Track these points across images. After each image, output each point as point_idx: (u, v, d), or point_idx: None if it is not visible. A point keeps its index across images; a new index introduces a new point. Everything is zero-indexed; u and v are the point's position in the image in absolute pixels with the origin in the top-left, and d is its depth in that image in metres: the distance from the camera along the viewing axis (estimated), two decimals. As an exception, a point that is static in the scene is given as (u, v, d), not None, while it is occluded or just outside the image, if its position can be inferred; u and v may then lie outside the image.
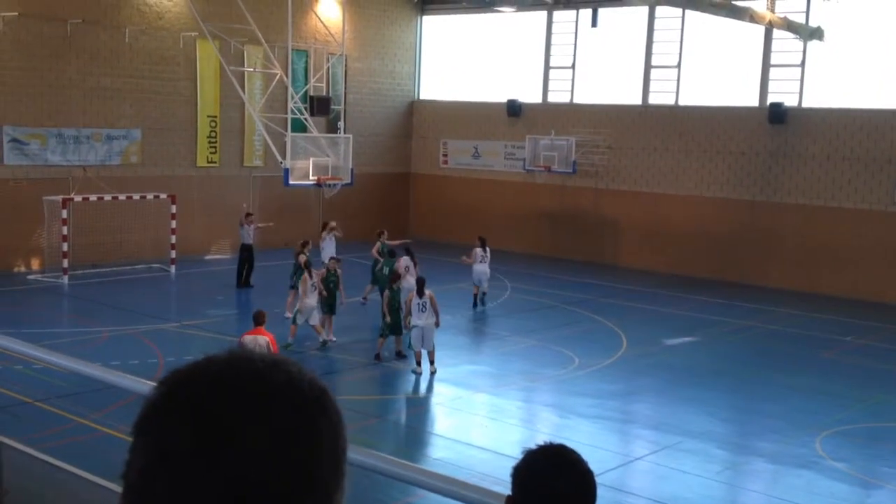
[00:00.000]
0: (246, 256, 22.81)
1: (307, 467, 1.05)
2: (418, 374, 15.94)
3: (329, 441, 1.08)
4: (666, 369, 17.12)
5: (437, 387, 15.91)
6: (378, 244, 21.29)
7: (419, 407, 15.32)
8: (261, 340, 12.86)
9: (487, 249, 21.91)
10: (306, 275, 17.33)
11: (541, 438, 2.63)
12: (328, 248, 21.79)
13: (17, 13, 23.50)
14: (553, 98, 30.88)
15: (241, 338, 13.40)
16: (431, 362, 15.94)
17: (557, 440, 2.72)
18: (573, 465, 2.54)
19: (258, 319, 13.43)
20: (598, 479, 2.60)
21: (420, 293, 15.99)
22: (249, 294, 22.25)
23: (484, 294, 21.93)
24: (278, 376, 1.08)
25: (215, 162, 28.12)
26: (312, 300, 17.15)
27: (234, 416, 1.03)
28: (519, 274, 25.99)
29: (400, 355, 16.87)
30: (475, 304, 21.66)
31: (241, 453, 1.01)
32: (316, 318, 17.29)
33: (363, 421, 13.70)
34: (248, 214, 23.34)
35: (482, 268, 21.64)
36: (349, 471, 1.13)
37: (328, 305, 17.55)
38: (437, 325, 16.05)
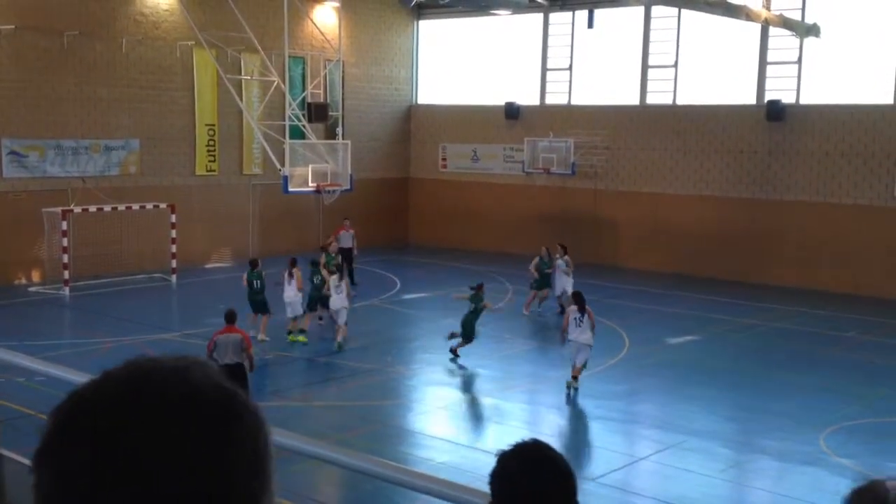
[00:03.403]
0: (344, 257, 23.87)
1: (221, 478, 1.01)
2: (574, 389, 15.16)
3: (246, 445, 1.04)
4: (669, 369, 17.11)
5: (440, 391, 15.90)
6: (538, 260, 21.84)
7: (423, 411, 15.30)
8: (233, 338, 13.09)
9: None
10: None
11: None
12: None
13: (13, 26, 23.52)
14: (551, 100, 30.89)
15: (213, 336, 13.46)
16: (575, 378, 15.29)
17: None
18: (549, 462, 2.42)
19: (230, 318, 13.55)
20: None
21: (582, 309, 15.29)
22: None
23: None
24: (179, 388, 1.03)
25: (214, 170, 28.13)
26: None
27: (133, 439, 0.99)
28: (519, 276, 25.97)
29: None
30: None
31: (144, 477, 0.98)
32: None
33: (367, 426, 13.70)
34: (345, 219, 24.73)
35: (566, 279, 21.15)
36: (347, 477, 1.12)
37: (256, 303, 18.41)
38: (589, 344, 15.28)
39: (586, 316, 15.20)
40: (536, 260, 21.80)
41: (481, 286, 17.69)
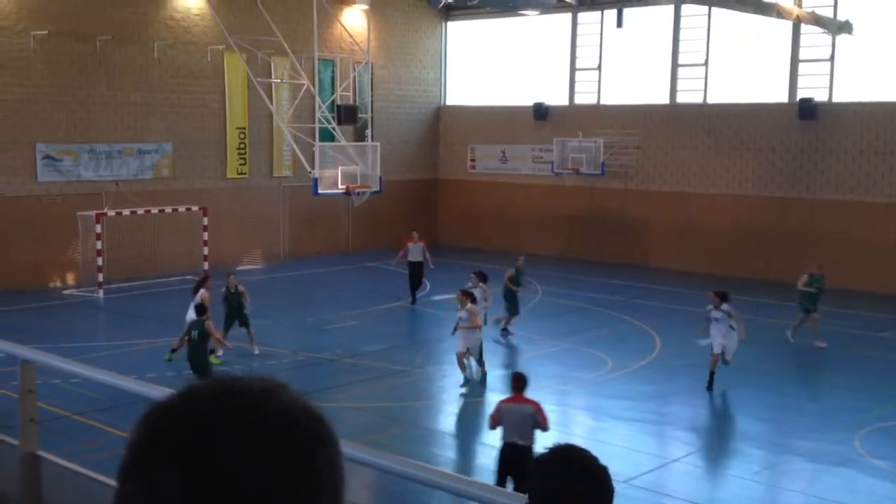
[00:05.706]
0: (415, 272, 22.80)
1: (305, 502, 1.01)
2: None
3: (328, 471, 1.04)
4: (701, 369, 16.96)
5: (469, 391, 15.88)
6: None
7: (452, 412, 15.31)
8: (524, 409, 10.26)
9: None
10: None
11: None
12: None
13: (47, 32, 23.83)
14: (580, 100, 30.79)
15: (499, 405, 10.61)
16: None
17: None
18: (587, 465, 2.46)
19: (519, 384, 10.49)
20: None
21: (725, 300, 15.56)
22: (321, 305, 22.29)
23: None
24: (270, 410, 1.02)
25: (245, 173, 28.34)
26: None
27: (225, 462, 0.97)
28: (549, 277, 25.91)
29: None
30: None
31: (233, 495, 0.97)
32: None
33: (397, 427, 13.73)
34: (413, 230, 23.93)
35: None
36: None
37: (239, 319, 17.15)
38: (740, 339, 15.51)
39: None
40: (805, 277, 18.87)
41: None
